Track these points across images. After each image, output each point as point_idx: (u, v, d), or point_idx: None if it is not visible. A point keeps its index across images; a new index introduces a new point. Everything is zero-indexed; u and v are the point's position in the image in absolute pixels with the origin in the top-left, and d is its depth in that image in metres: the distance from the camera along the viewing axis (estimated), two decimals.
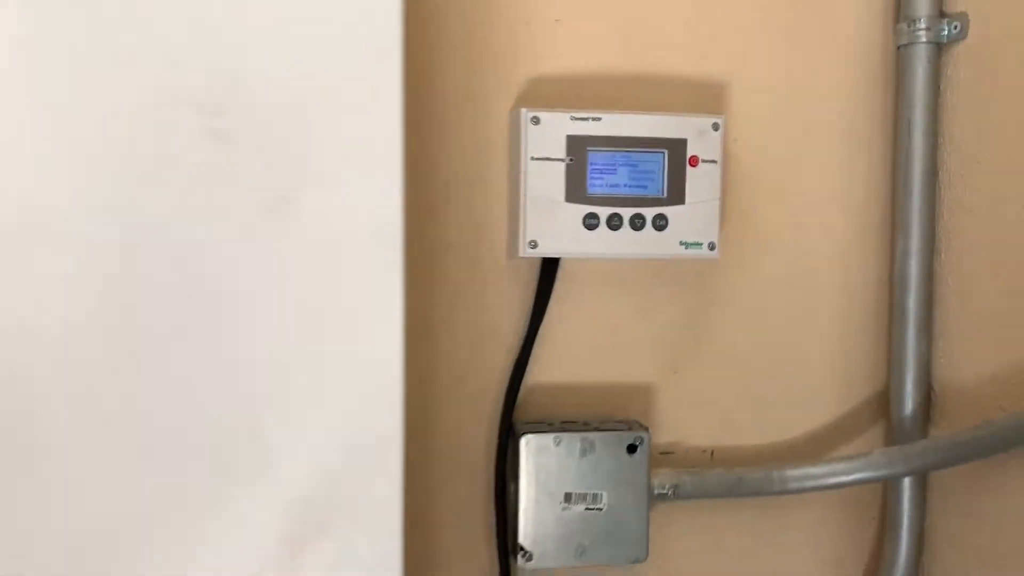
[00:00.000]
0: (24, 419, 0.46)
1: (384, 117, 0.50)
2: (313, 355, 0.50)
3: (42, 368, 0.47)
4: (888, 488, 0.78)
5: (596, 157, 0.69)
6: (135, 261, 0.47)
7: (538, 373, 0.73)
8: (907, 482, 0.76)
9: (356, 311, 0.51)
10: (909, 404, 0.75)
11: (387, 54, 0.50)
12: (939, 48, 0.73)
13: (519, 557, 0.70)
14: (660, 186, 0.70)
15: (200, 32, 0.47)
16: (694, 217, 0.70)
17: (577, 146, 0.68)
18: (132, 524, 0.48)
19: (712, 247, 0.71)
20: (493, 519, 0.72)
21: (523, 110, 0.68)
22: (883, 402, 0.78)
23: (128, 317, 0.47)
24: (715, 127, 0.70)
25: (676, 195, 0.70)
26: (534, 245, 0.69)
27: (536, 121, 0.68)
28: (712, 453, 0.76)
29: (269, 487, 0.50)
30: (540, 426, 0.71)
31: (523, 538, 0.69)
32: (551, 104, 0.70)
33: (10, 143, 0.46)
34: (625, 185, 0.70)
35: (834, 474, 0.73)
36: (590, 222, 0.69)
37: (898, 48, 0.75)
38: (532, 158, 0.68)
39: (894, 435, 0.76)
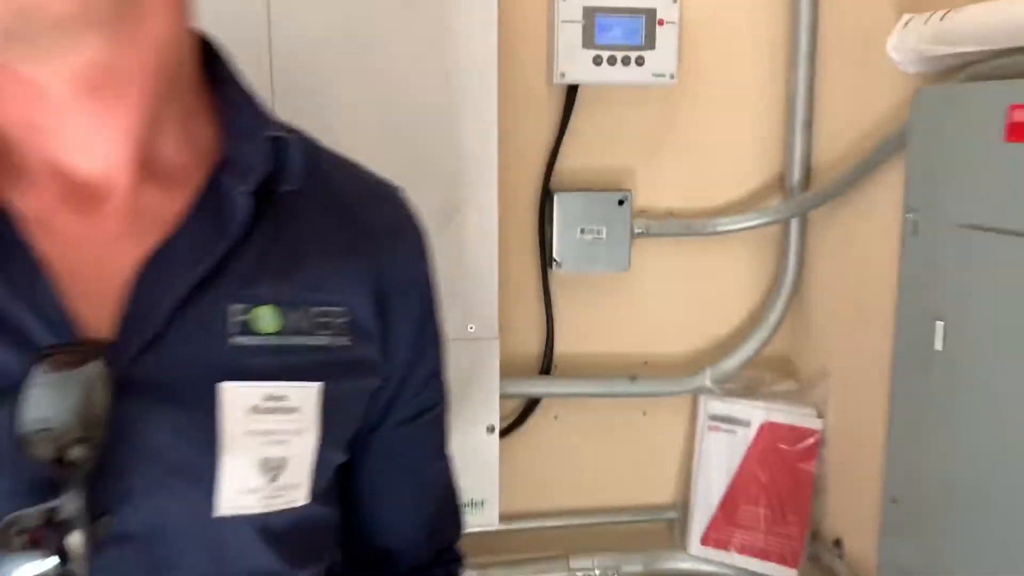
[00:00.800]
0: None
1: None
2: None
3: None
4: (784, 230, 1.25)
5: (601, 19, 1.12)
6: None
7: (564, 157, 1.18)
8: (794, 223, 1.22)
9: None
10: (796, 177, 1.21)
11: None
12: None
13: (553, 264, 1.18)
14: (640, 38, 1.13)
15: None
16: (662, 58, 1.14)
17: (589, 14, 1.12)
18: None
19: (672, 76, 1.15)
20: (538, 242, 1.19)
21: None
22: (781, 180, 1.24)
23: None
24: (674, 2, 1.13)
25: (650, 43, 1.14)
26: (563, 75, 1.13)
27: (564, 0, 1.11)
28: (672, 212, 1.23)
29: None
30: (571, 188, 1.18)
31: (556, 253, 1.17)
32: None
33: None
34: (619, 37, 1.13)
35: (747, 220, 1.20)
36: (596, 60, 1.13)
37: None
38: (562, 21, 1.12)
39: (787, 197, 1.23)
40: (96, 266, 0.51)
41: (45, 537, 0.46)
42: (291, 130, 0.59)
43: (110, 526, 0.49)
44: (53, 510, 0.47)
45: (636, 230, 1.19)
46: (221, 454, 0.52)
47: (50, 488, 0.47)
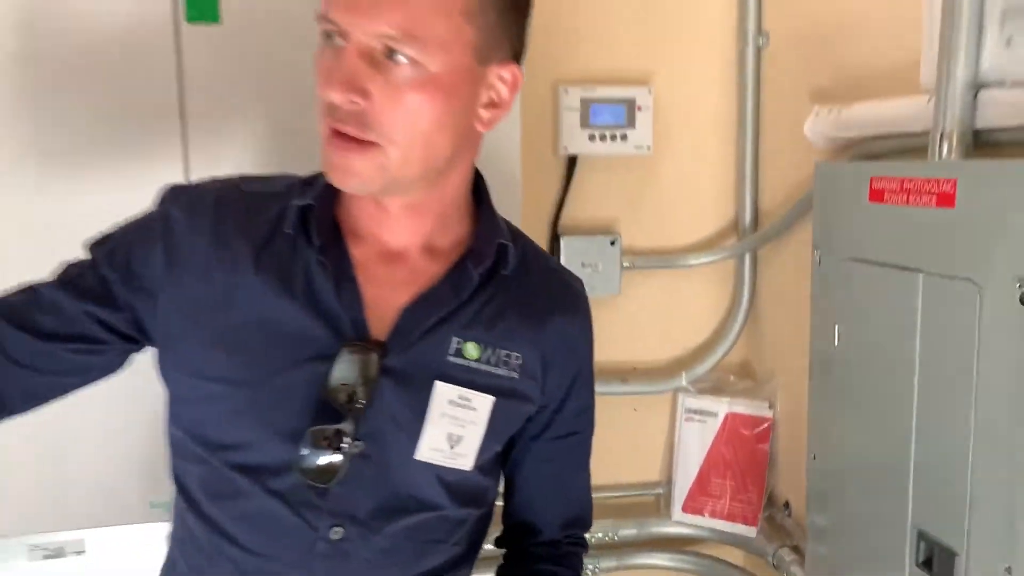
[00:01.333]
0: None
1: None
2: None
3: None
4: (739, 263, 1.60)
5: (594, 107, 1.48)
6: None
7: (568, 209, 1.53)
8: (747, 257, 1.57)
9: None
10: (746, 222, 1.57)
11: None
12: None
13: None
14: (623, 120, 1.49)
15: None
16: (640, 135, 1.50)
17: (585, 103, 1.48)
18: None
19: (649, 148, 1.51)
20: None
21: (559, 87, 1.47)
22: (735, 225, 1.59)
23: None
24: (649, 91, 1.49)
25: (631, 124, 1.50)
26: (566, 148, 1.49)
27: (566, 91, 1.47)
28: (651, 250, 1.58)
29: None
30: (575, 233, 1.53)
31: None
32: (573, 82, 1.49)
33: None
34: (608, 119, 1.49)
35: (710, 255, 1.55)
36: (591, 137, 1.49)
37: None
38: (564, 108, 1.48)
39: (740, 239, 1.58)
40: (386, 298, 0.87)
41: (333, 442, 0.81)
42: (515, 238, 0.93)
43: (361, 446, 0.84)
44: (339, 429, 0.81)
45: (624, 264, 1.55)
46: (426, 423, 0.86)
47: (336, 417, 0.81)
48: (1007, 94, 0.96)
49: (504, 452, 0.98)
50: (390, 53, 0.77)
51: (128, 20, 1.15)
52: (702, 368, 1.59)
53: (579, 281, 1.01)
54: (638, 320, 1.59)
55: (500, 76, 0.85)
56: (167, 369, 0.88)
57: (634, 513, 1.62)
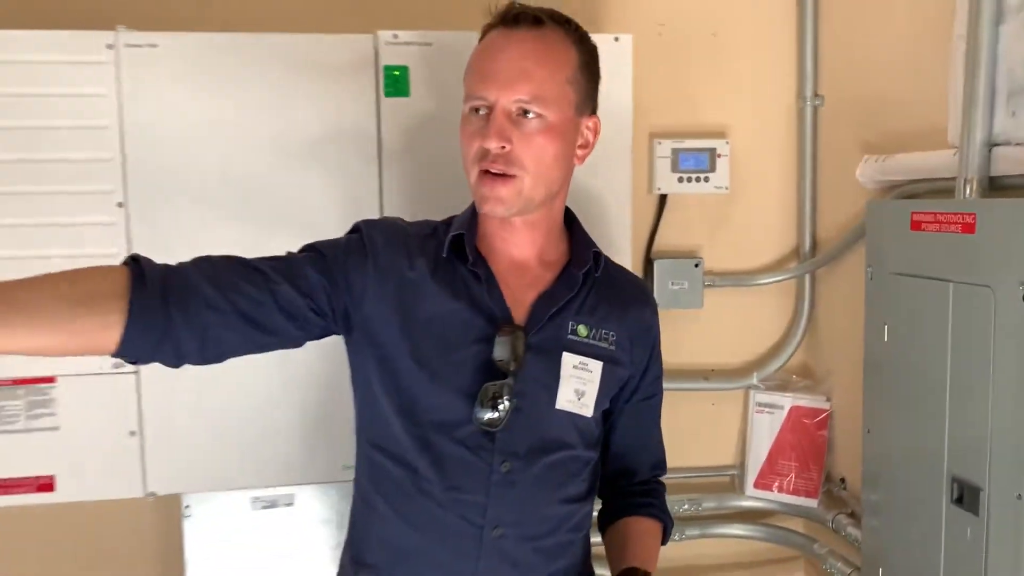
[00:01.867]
0: None
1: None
2: None
3: None
4: (800, 282, 1.93)
5: (682, 155, 1.84)
6: None
7: (660, 238, 1.88)
8: (807, 277, 1.91)
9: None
10: (807, 248, 1.91)
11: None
12: None
13: None
14: (706, 165, 1.85)
15: None
16: (719, 177, 1.86)
17: (675, 152, 1.84)
18: None
19: (726, 188, 1.86)
20: None
21: (654, 139, 1.83)
22: (796, 250, 1.93)
23: None
24: (726, 142, 1.85)
25: (712, 168, 1.85)
26: (659, 188, 1.85)
27: (660, 143, 1.83)
28: (728, 272, 1.92)
29: None
30: (665, 257, 1.88)
31: (656, 297, 1.87)
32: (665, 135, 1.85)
33: None
34: (693, 164, 1.85)
35: (776, 276, 1.90)
36: (679, 179, 1.85)
37: None
38: (657, 156, 1.84)
39: (801, 261, 1.92)
40: (519, 297, 1.22)
41: (497, 399, 1.15)
42: (598, 251, 1.28)
43: (516, 402, 1.18)
44: (503, 386, 1.15)
45: (706, 283, 1.89)
46: (560, 382, 1.21)
47: (495, 378, 1.15)
48: (1013, 151, 1.31)
49: (604, 419, 1.31)
50: (523, 112, 1.14)
51: (339, 99, 1.53)
52: (770, 369, 1.93)
53: (645, 283, 1.39)
54: (717, 329, 1.94)
55: (587, 125, 1.21)
56: (362, 352, 1.21)
57: (713, 490, 1.95)
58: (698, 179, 1.86)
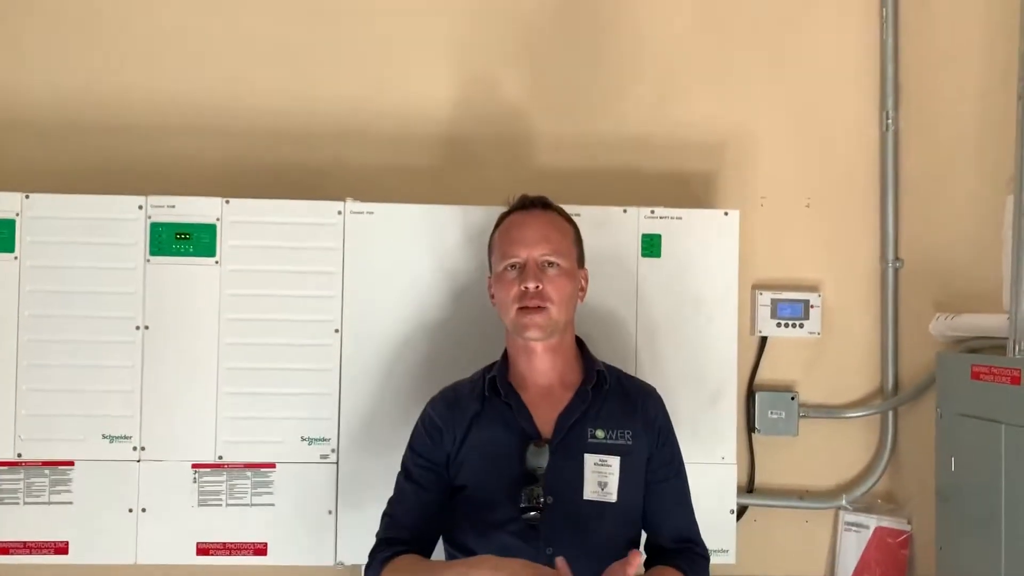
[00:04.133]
0: None
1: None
2: None
3: None
4: (884, 416, 2.23)
5: (780, 305, 2.20)
6: None
7: (762, 372, 2.22)
8: (890, 413, 2.21)
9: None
10: (889, 387, 2.21)
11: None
12: None
13: (756, 431, 2.19)
14: (800, 313, 2.20)
15: None
16: (812, 324, 2.19)
17: (774, 303, 2.19)
18: None
19: (818, 333, 2.19)
20: (745, 418, 2.22)
21: (755, 290, 2.20)
22: (880, 389, 2.23)
23: None
24: (818, 295, 2.20)
25: (806, 316, 2.19)
26: (760, 331, 2.20)
27: (761, 293, 2.20)
28: (821, 405, 2.23)
29: None
30: (765, 390, 2.21)
31: (757, 424, 2.19)
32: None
33: None
34: (789, 313, 2.20)
35: (863, 410, 2.20)
36: (778, 325, 2.19)
37: None
38: (759, 305, 2.20)
39: (884, 399, 2.22)
40: (544, 416, 1.60)
41: (534, 499, 1.51)
42: (610, 369, 1.68)
43: (550, 500, 1.53)
44: (534, 489, 1.52)
45: (800, 414, 2.21)
46: (584, 479, 1.57)
47: (531, 483, 1.52)
48: None
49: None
50: (548, 264, 1.60)
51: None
52: (858, 492, 2.21)
53: (651, 386, 1.73)
54: (811, 455, 2.23)
55: (583, 276, 1.69)
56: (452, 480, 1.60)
57: None
58: (794, 325, 2.20)
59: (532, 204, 1.67)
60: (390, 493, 1.67)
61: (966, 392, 1.71)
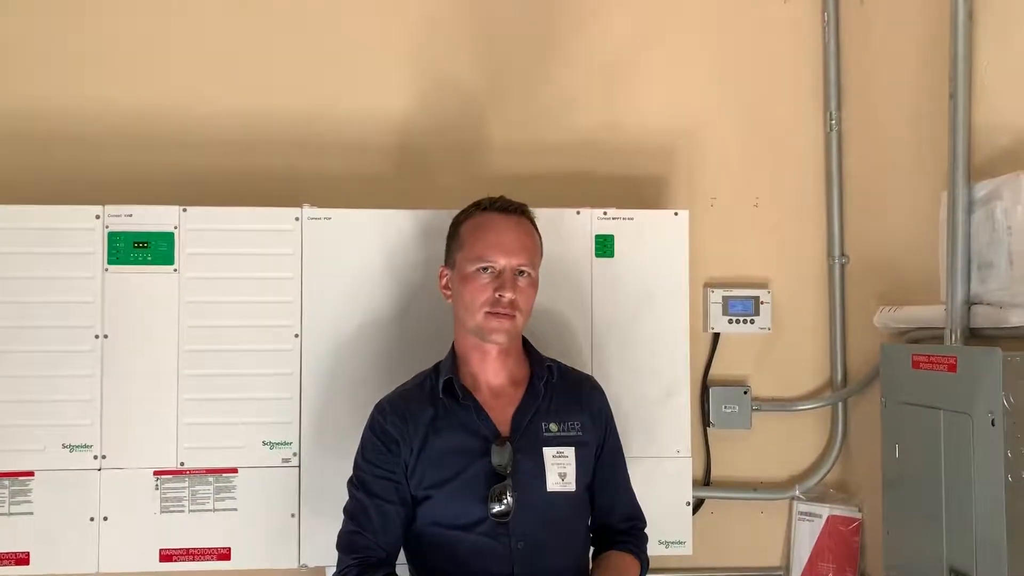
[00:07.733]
0: None
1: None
2: None
3: None
4: (835, 408, 2.29)
5: (731, 302, 2.26)
6: None
7: (714, 368, 2.28)
8: (840, 404, 2.27)
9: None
10: (838, 379, 2.27)
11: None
12: None
13: (710, 425, 2.24)
14: (751, 309, 2.26)
15: None
16: (763, 319, 2.26)
17: (725, 299, 2.25)
18: None
19: (769, 329, 2.26)
20: (700, 413, 2.27)
21: (707, 288, 2.25)
22: (830, 382, 2.30)
23: None
24: (768, 292, 2.26)
25: (756, 312, 2.26)
26: (712, 328, 2.26)
27: (712, 291, 2.25)
28: (772, 398, 2.30)
29: None
30: (719, 385, 2.27)
31: (711, 419, 2.25)
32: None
33: None
34: (740, 309, 2.26)
35: (814, 403, 2.27)
36: (730, 321, 2.25)
37: None
38: (711, 302, 2.26)
39: (833, 391, 2.29)
40: (500, 415, 1.64)
41: (502, 497, 1.55)
42: (552, 361, 1.73)
43: (516, 495, 1.57)
44: (503, 486, 1.56)
45: (753, 408, 2.27)
46: (545, 472, 1.61)
47: (497, 481, 1.57)
48: (985, 309, 1.69)
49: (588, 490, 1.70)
50: (521, 272, 1.63)
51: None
52: (810, 482, 2.27)
53: (593, 378, 1.81)
54: (764, 447, 2.29)
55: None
56: (413, 490, 1.61)
57: None
58: (745, 321, 2.26)
59: (514, 210, 1.68)
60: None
61: (908, 381, 1.78)
